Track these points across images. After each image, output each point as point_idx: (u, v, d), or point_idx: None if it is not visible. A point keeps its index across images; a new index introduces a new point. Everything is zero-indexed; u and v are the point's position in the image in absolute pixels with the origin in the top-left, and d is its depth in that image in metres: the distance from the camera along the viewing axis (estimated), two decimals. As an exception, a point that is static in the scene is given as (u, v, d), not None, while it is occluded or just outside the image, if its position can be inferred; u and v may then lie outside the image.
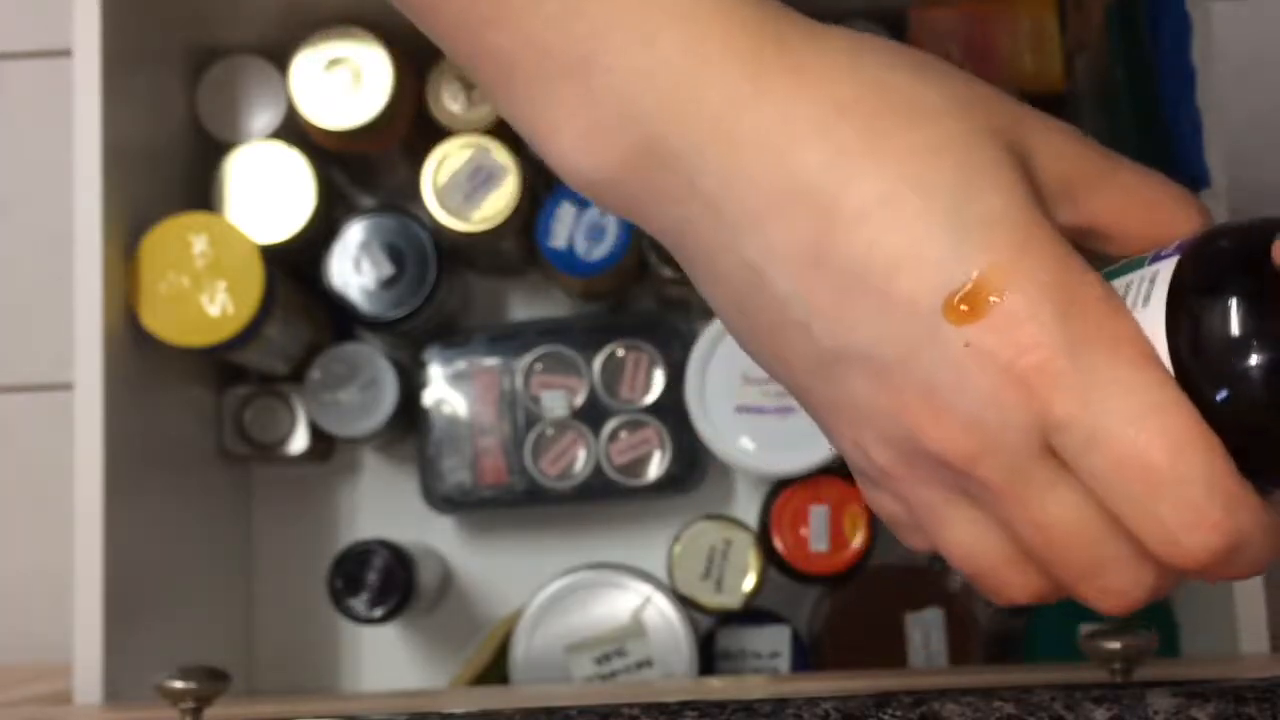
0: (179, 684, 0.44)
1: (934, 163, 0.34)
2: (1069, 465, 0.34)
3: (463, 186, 0.71)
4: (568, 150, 0.36)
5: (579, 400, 0.74)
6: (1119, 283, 0.35)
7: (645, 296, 0.79)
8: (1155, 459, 0.32)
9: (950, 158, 0.34)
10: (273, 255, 0.68)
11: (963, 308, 0.33)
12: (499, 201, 0.71)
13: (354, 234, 0.73)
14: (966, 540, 0.36)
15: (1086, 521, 0.34)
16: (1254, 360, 0.32)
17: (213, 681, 0.44)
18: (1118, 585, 0.35)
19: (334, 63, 0.70)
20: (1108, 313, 0.33)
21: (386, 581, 0.70)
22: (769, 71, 0.35)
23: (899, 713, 0.41)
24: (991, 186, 0.34)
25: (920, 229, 0.34)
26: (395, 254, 0.73)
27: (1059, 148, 0.36)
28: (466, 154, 0.71)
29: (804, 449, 0.70)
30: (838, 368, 0.35)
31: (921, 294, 0.33)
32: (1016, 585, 0.36)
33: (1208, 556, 0.33)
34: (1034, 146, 0.35)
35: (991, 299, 0.33)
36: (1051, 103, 0.71)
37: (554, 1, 0.35)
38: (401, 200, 0.75)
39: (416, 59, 0.72)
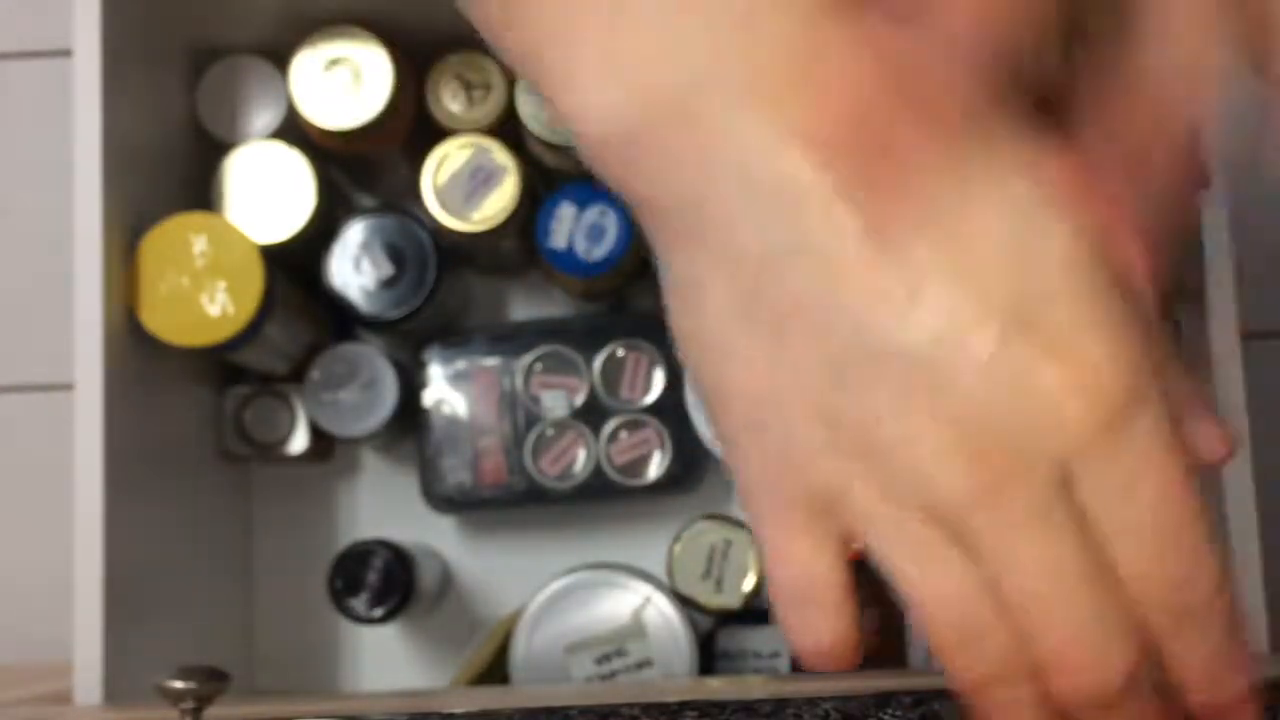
0: (179, 684, 0.44)
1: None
2: (1086, 511, 0.33)
3: (463, 186, 0.71)
4: (587, 88, 0.32)
5: (579, 400, 0.74)
6: None
7: (645, 296, 0.79)
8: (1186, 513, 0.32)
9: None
10: (273, 255, 0.68)
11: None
12: (499, 201, 0.71)
13: (354, 234, 0.73)
14: (948, 586, 0.34)
15: (1086, 574, 0.33)
16: None
17: (213, 681, 0.44)
18: (1099, 646, 0.33)
19: (334, 63, 0.70)
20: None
21: (386, 581, 0.70)
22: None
23: (899, 713, 0.41)
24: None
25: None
26: (395, 254, 0.73)
27: None
28: (466, 154, 0.71)
29: (804, 449, 0.70)
30: (866, 370, 0.33)
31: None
32: (993, 646, 0.34)
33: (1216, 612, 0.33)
34: None
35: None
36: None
37: None
38: (401, 200, 0.75)
39: (416, 59, 0.72)
